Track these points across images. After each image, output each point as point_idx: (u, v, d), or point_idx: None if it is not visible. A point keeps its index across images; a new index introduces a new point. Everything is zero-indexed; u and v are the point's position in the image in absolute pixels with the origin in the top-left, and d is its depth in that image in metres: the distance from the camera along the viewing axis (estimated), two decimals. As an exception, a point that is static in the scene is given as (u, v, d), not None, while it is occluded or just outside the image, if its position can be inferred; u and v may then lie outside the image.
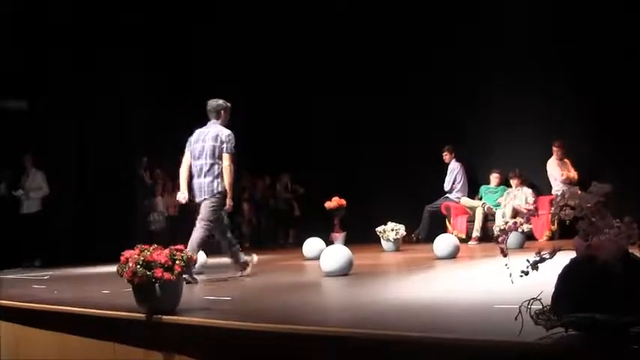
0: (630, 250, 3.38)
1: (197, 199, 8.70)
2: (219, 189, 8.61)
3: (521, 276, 3.60)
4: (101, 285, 8.54)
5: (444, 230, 13.83)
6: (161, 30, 16.56)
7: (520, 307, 3.55)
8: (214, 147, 8.63)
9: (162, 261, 5.34)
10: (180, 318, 5.30)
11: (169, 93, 16.83)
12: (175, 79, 16.83)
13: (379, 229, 12.90)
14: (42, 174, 15.05)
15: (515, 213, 13.50)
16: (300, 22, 16.81)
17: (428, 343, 3.82)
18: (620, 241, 3.33)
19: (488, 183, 14.79)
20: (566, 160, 13.76)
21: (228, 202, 8.68)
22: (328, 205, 14.77)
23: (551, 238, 13.16)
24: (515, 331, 3.48)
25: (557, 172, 13.61)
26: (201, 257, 9.45)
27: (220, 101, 8.97)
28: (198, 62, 17.17)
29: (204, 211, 8.57)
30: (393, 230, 12.70)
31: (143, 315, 5.48)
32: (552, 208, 3.70)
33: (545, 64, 13.61)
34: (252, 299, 6.74)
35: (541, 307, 3.51)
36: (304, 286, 7.86)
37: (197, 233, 8.48)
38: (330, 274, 8.27)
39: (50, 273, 12.02)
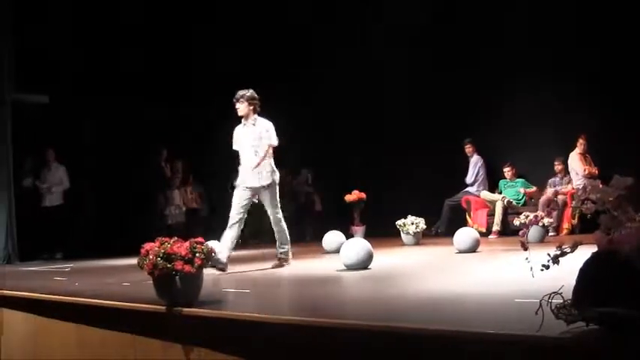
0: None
1: None
2: None
3: (542, 270, 3.58)
4: (121, 277, 8.57)
5: (464, 224, 13.80)
6: (170, 29, 16.55)
7: (541, 301, 3.53)
8: None
9: (183, 253, 5.35)
10: (200, 310, 5.31)
11: (189, 88, 16.85)
12: (195, 75, 16.87)
13: (399, 222, 12.87)
14: (64, 169, 15.15)
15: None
16: (320, 19, 16.84)
17: (448, 336, 3.81)
18: (642, 235, 3.31)
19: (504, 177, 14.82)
20: (587, 154, 13.71)
21: None
22: (348, 198, 14.77)
23: (571, 232, 13.11)
24: (535, 326, 3.46)
25: (579, 166, 13.55)
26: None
27: None
28: (216, 58, 17.12)
29: None
30: (413, 224, 12.66)
31: (163, 307, 5.49)
32: (573, 202, 3.68)
33: (565, 60, 13.56)
34: (271, 292, 6.75)
35: (562, 301, 3.49)
36: (324, 279, 7.85)
37: None
38: (350, 268, 8.26)
39: (71, 265, 12.08)
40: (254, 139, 9.40)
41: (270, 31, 17.09)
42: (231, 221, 9.19)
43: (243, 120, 9.45)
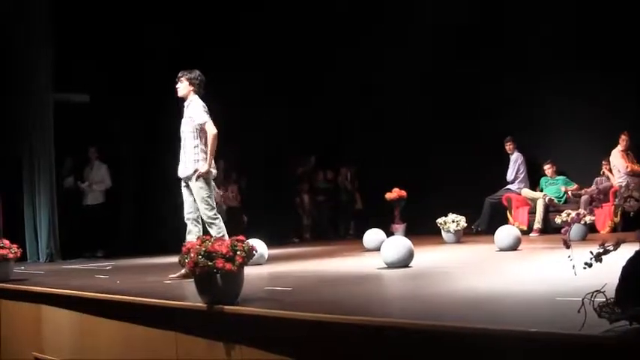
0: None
1: None
2: None
3: (585, 268, 3.55)
4: (163, 275, 8.61)
5: (505, 222, 13.73)
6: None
7: (583, 299, 3.50)
8: None
9: (224, 252, 5.37)
10: (241, 308, 5.32)
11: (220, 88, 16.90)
12: (226, 75, 16.93)
13: (440, 220, 12.83)
14: (105, 167, 15.28)
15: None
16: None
17: (489, 334, 3.80)
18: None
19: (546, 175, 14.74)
20: (629, 152, 13.58)
21: None
22: (389, 196, 14.77)
23: (613, 230, 13.01)
24: (578, 324, 3.44)
25: (621, 163, 13.43)
26: (263, 248, 9.55)
27: None
28: (247, 60, 17.09)
29: None
30: (453, 222, 12.62)
31: (204, 305, 5.52)
32: (616, 200, 3.66)
33: (608, 57, 13.47)
34: (312, 290, 6.75)
35: (605, 299, 3.46)
36: (364, 277, 7.84)
37: None
38: (391, 266, 8.24)
39: (112, 263, 12.18)
40: (183, 123, 8.45)
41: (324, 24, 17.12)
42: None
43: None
